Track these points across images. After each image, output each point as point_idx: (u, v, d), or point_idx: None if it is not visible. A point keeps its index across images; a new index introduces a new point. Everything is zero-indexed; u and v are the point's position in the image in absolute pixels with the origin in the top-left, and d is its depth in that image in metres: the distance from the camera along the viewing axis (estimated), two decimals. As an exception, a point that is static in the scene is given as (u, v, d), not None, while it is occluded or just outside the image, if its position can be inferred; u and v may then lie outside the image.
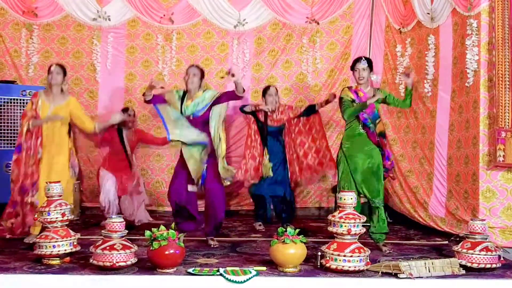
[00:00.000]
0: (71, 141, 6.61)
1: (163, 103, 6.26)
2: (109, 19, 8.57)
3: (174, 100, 6.26)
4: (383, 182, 6.22)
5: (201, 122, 6.19)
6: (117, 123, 6.90)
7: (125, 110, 7.64)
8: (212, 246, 6.17)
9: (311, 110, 7.67)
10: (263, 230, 7.37)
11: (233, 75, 5.92)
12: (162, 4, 8.64)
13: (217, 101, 6.23)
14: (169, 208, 8.51)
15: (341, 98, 6.24)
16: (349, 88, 6.30)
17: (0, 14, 8.44)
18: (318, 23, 8.58)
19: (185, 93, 6.29)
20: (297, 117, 7.66)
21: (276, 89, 7.64)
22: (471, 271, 5.02)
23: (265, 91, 7.57)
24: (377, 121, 6.20)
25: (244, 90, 6.12)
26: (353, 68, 6.23)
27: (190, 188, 6.30)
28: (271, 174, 7.41)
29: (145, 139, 7.99)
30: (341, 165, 6.23)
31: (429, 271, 4.86)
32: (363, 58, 6.20)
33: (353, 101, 6.15)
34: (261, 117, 7.53)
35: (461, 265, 5.02)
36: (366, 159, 6.11)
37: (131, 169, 7.49)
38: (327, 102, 7.60)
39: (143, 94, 6.16)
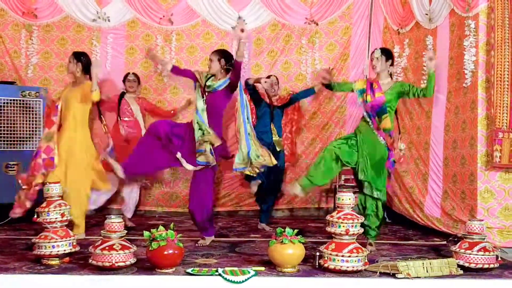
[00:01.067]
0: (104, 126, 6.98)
1: (195, 81, 6.39)
2: (109, 20, 8.59)
3: (202, 78, 6.34)
4: (384, 177, 6.20)
5: (217, 102, 6.27)
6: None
7: (126, 75, 7.91)
8: (199, 244, 6.21)
9: (309, 92, 7.79)
10: (271, 230, 7.36)
11: (242, 30, 5.99)
12: (162, 5, 8.66)
13: (230, 83, 6.25)
14: (168, 209, 8.59)
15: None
16: (368, 79, 6.42)
17: (0, 15, 8.45)
18: (317, 24, 8.60)
19: (212, 76, 6.35)
20: (295, 98, 7.78)
21: (277, 78, 7.73)
22: (469, 271, 5.03)
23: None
24: (383, 116, 6.12)
25: (243, 56, 6.24)
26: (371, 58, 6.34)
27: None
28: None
29: (149, 108, 8.16)
30: (351, 135, 6.35)
31: (427, 271, 4.86)
32: (378, 48, 6.29)
33: (359, 92, 6.24)
34: (267, 98, 7.59)
35: (459, 265, 5.03)
36: (370, 152, 6.16)
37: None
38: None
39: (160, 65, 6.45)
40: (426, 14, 7.17)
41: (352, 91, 6.40)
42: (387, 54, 6.23)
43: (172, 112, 8.38)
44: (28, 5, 8.47)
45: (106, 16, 8.57)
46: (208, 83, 6.25)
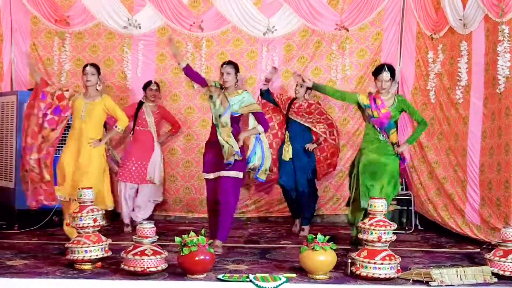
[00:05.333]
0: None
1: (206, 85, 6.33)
2: (140, 27, 8.65)
3: (214, 94, 6.25)
4: (396, 189, 6.30)
5: (233, 119, 6.20)
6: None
7: (148, 83, 7.87)
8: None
9: None
10: (297, 231, 7.46)
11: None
12: (192, 12, 8.70)
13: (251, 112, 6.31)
14: (198, 215, 8.60)
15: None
16: (370, 94, 6.40)
17: (33, 22, 8.59)
18: (347, 30, 8.55)
19: (222, 87, 6.27)
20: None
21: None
22: (503, 279, 4.98)
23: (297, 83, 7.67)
24: (391, 131, 6.26)
25: (259, 130, 6.31)
26: (376, 76, 6.32)
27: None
28: (288, 157, 7.52)
29: (166, 116, 8.14)
30: (360, 169, 6.30)
31: (460, 279, 4.82)
32: (386, 69, 6.24)
33: (365, 106, 6.34)
34: (282, 107, 7.67)
35: (493, 273, 4.97)
36: (380, 163, 6.19)
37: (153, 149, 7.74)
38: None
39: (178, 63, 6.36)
40: (460, 20, 7.08)
41: (357, 103, 6.47)
42: (393, 72, 6.29)
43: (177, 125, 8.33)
44: (61, 13, 8.57)
45: (137, 23, 8.63)
46: (223, 119, 6.11)
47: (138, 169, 7.63)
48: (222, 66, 6.30)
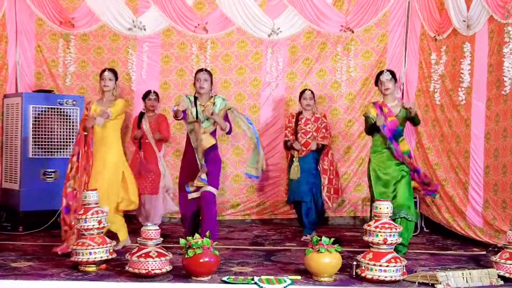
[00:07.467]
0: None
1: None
2: (144, 29, 8.66)
3: (189, 107, 6.23)
4: (410, 196, 6.15)
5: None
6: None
7: (147, 93, 7.79)
8: None
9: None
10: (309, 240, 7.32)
11: (212, 114, 6.10)
12: (197, 13, 8.70)
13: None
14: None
15: (364, 116, 6.48)
16: (374, 103, 6.35)
17: (38, 24, 8.59)
18: (352, 31, 8.54)
19: (195, 97, 6.29)
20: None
21: (312, 92, 7.62)
22: (509, 282, 4.94)
23: (301, 94, 7.61)
24: (400, 139, 6.18)
25: (227, 126, 6.29)
26: (377, 82, 6.33)
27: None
28: (297, 175, 7.37)
29: (160, 124, 7.79)
30: (372, 179, 6.27)
31: (466, 282, 4.80)
32: (386, 70, 6.29)
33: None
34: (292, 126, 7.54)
35: (499, 276, 4.95)
36: (390, 173, 6.13)
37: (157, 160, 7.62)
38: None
39: (175, 117, 6.17)
40: (464, 21, 7.06)
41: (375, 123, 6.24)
42: (394, 75, 6.26)
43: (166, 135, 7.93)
44: (66, 15, 8.59)
45: (142, 25, 8.64)
46: (201, 117, 6.16)
47: (142, 179, 7.53)
48: (198, 72, 6.34)
